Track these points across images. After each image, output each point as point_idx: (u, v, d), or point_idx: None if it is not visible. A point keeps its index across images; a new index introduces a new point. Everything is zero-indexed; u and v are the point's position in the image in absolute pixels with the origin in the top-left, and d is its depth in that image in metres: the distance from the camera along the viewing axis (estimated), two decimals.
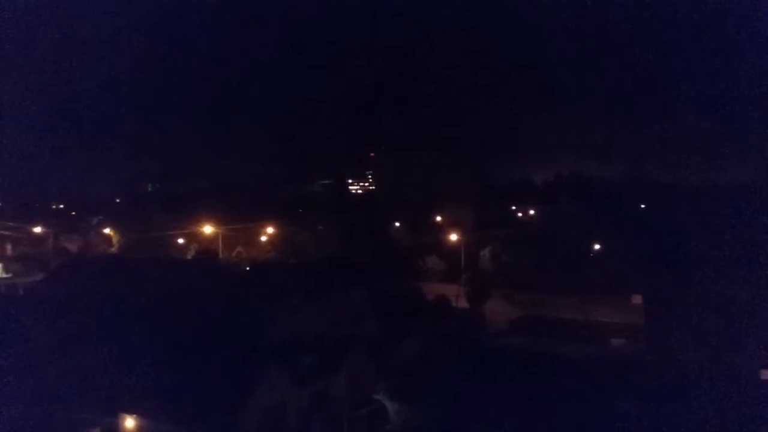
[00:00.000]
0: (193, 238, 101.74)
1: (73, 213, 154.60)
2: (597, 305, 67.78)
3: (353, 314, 50.19)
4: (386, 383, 45.89)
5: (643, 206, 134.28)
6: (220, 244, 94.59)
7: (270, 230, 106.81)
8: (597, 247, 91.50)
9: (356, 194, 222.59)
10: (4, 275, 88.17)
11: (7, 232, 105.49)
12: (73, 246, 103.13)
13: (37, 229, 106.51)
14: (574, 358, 44.24)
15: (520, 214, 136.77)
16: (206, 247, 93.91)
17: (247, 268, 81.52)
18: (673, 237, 78.09)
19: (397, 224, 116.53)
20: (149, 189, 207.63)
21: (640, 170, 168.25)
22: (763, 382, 33.92)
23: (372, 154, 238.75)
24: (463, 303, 70.39)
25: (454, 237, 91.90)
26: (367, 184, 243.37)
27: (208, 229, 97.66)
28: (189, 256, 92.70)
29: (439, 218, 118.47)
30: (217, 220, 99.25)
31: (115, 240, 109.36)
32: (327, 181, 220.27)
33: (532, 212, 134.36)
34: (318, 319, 47.04)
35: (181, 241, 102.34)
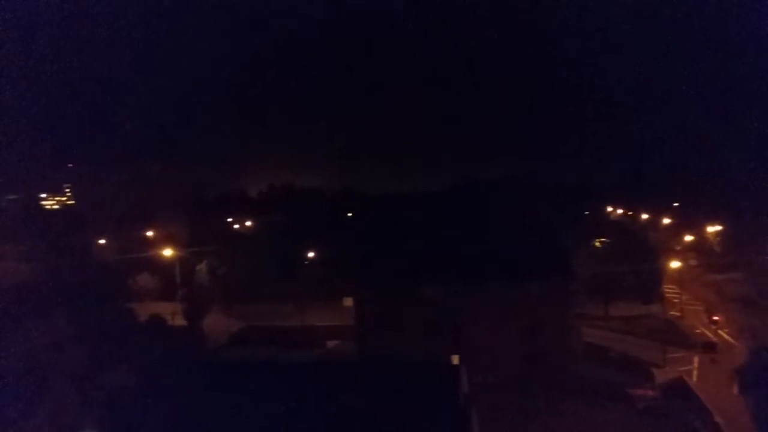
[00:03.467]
0: None
1: None
2: (313, 310, 71.25)
3: (50, 344, 44.97)
4: (94, 417, 41.94)
5: (350, 215, 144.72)
6: None
7: None
8: (311, 255, 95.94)
9: (52, 210, 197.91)
10: None
11: None
12: None
13: None
14: (292, 363, 45.88)
15: (237, 226, 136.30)
16: None
17: None
18: (379, 242, 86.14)
19: (103, 241, 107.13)
20: None
21: (351, 181, 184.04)
22: (454, 366, 39.42)
23: (70, 165, 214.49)
24: (180, 320, 68.02)
25: (167, 252, 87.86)
26: (65, 198, 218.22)
27: None
28: None
29: (150, 233, 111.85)
30: None
31: None
32: (14, 196, 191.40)
33: (248, 223, 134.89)
34: (5, 352, 41.05)
35: None
